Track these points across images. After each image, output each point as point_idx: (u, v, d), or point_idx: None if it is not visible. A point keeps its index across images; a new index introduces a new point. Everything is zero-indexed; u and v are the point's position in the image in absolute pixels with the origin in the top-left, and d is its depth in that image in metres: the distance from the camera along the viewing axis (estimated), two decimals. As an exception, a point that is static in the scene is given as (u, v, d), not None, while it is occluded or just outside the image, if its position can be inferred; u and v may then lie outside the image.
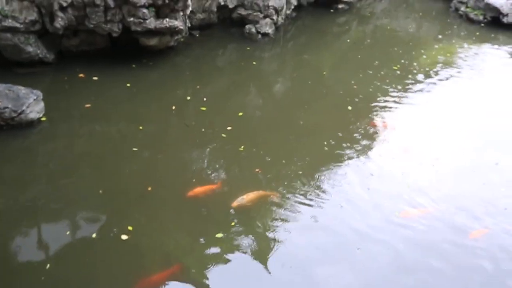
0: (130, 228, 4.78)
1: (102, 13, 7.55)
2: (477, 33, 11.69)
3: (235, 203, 5.16)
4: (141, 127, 6.52)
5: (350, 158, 6.30)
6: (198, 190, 5.37)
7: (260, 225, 5.05)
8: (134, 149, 6.04)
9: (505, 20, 11.79)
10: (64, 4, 7.24)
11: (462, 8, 12.75)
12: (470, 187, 5.91)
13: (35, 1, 7.19)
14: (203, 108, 7.14)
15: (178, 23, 8.09)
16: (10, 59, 7.34)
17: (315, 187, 5.65)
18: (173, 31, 8.15)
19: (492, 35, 11.56)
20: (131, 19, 7.66)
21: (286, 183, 5.68)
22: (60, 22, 7.28)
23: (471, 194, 5.77)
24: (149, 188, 5.37)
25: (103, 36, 8.05)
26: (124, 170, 5.74)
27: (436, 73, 9.21)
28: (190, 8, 8.50)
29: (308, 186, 5.65)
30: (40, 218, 4.98)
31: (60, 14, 7.26)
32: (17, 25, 7.02)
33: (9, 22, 6.93)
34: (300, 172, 5.88)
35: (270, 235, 4.91)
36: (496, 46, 11.01)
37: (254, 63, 9.01)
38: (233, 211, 5.12)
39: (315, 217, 5.19)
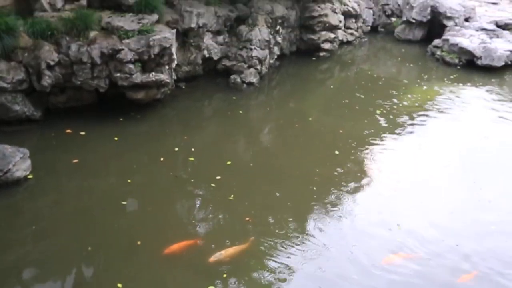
0: (119, 285, 4.65)
1: (89, 69, 7.69)
2: (455, 75, 12.12)
3: (212, 259, 5.04)
4: (129, 180, 6.49)
5: (339, 202, 6.30)
6: (175, 247, 5.22)
7: (250, 276, 4.95)
8: (123, 202, 5.99)
9: (479, 62, 12.30)
10: (52, 63, 7.38)
11: (438, 52, 13.28)
12: (460, 227, 5.92)
13: (23, 61, 7.31)
14: (192, 159, 7.16)
15: (164, 77, 8.25)
16: (-4, 118, 7.36)
17: (305, 234, 5.60)
18: (159, 84, 8.30)
19: (468, 77, 12.01)
20: (118, 74, 7.80)
21: (276, 231, 5.63)
22: (47, 80, 7.39)
23: (460, 233, 5.77)
24: (138, 242, 5.27)
25: (90, 91, 8.16)
26: (113, 224, 5.65)
27: (419, 115, 9.44)
28: (175, 62, 8.70)
29: (297, 233, 5.60)
30: (27, 278, 4.82)
31: (47, 72, 7.37)
32: (4, 85, 7.09)
33: (-4, 82, 7.01)
34: (290, 219, 5.85)
35: (261, 285, 4.81)
36: (473, 87, 11.40)
37: (240, 111, 9.15)
38: (224, 263, 5.03)
39: (303, 265, 5.10)
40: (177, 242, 5.27)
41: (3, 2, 7.65)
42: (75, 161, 6.81)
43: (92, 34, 7.80)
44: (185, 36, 9.62)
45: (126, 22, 8.10)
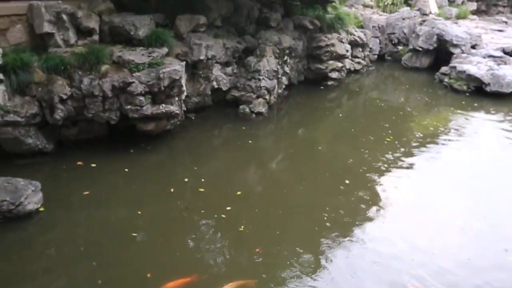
0: (129, 320, 4.60)
1: (101, 102, 7.82)
2: (463, 102, 12.11)
3: None
4: (139, 212, 6.50)
5: (351, 232, 6.22)
6: (171, 285, 5.08)
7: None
8: (134, 234, 5.98)
9: (488, 89, 12.31)
10: (64, 97, 7.53)
11: (446, 79, 13.32)
12: (476, 260, 5.77)
13: (37, 95, 7.47)
14: (202, 189, 7.17)
15: (174, 108, 8.35)
16: (10, 151, 7.46)
17: (315, 267, 5.51)
18: (169, 115, 8.39)
19: (477, 103, 11.99)
20: (129, 106, 7.92)
21: (287, 262, 5.56)
22: (59, 113, 7.53)
23: (476, 269, 5.60)
24: (149, 275, 5.23)
25: (101, 124, 8.27)
26: (124, 257, 5.63)
27: (429, 142, 9.41)
28: (185, 93, 8.82)
29: (307, 265, 5.52)
30: (35, 314, 4.80)
31: (60, 106, 7.52)
32: (18, 119, 7.22)
33: (10, 117, 7.12)
34: (301, 251, 5.78)
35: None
36: (483, 114, 11.37)
37: (250, 141, 9.19)
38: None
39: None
40: (176, 279, 5.14)
41: (20, 40, 7.91)
42: (86, 193, 6.85)
43: (104, 68, 7.98)
44: (194, 68, 9.79)
45: (137, 55, 8.28)
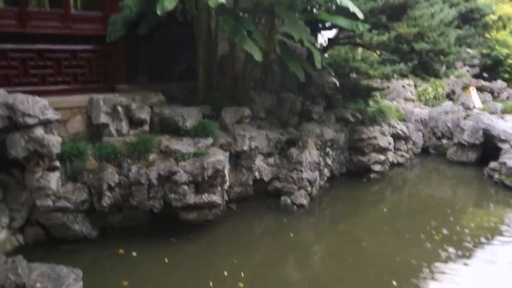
0: None
1: (146, 191, 8.02)
2: (516, 200, 11.55)
3: None
4: (176, 306, 6.33)
5: None
6: None
7: None
8: (169, 331, 5.78)
9: (543, 186, 11.73)
10: (112, 184, 7.79)
11: (496, 175, 12.81)
12: None
13: (87, 182, 7.78)
14: (241, 284, 6.94)
15: (216, 198, 8.42)
16: (57, 237, 7.64)
17: None
18: (211, 205, 8.44)
19: (533, 201, 11.39)
20: (172, 195, 8.06)
21: None
22: (107, 200, 7.74)
23: None
24: None
25: (145, 211, 8.40)
26: None
27: (481, 241, 8.87)
28: (227, 183, 8.93)
29: None
30: None
31: (107, 193, 7.75)
32: (68, 205, 7.47)
33: (61, 203, 7.38)
34: None
35: None
36: (539, 213, 10.74)
37: (291, 234, 8.99)
38: None
39: None
40: None
41: (78, 130, 8.45)
42: (125, 283, 6.78)
43: (152, 156, 8.29)
44: (237, 158, 9.98)
45: (183, 145, 8.58)
